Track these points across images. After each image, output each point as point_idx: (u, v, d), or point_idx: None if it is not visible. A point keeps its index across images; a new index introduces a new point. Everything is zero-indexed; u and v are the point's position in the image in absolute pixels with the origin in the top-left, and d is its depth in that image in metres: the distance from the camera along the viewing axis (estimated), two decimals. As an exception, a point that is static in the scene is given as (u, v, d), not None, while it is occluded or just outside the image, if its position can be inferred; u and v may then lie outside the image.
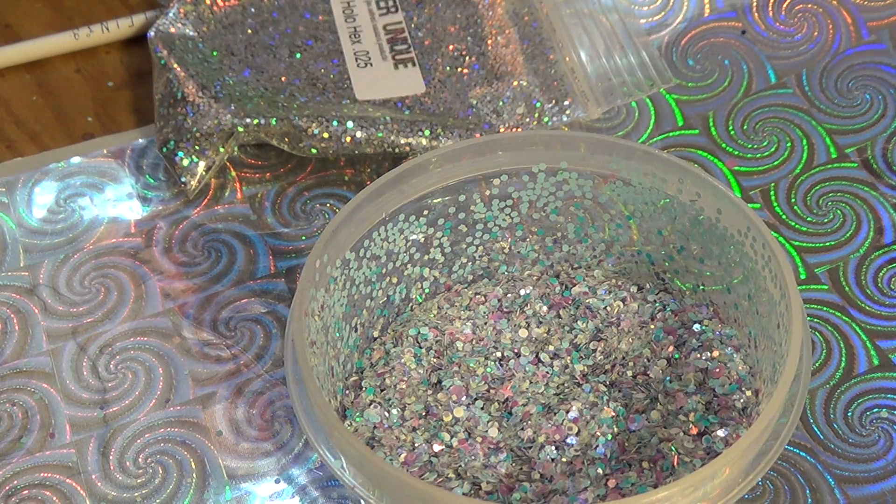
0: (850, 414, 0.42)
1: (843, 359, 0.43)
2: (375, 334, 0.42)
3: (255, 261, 0.46)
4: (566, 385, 0.40)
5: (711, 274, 0.41)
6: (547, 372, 0.40)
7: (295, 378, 0.37)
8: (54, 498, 0.41)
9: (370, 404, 0.39)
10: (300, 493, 0.41)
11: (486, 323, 0.41)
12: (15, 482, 0.41)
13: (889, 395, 0.42)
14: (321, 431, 0.36)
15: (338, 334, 0.39)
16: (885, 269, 0.45)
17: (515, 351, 0.41)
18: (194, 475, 0.41)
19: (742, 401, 0.38)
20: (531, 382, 0.40)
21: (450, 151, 0.40)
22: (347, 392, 0.40)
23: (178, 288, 0.46)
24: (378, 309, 0.42)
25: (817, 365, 0.43)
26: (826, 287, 0.45)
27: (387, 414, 0.39)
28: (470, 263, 0.43)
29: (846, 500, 0.40)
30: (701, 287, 0.41)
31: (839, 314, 0.44)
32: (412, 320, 0.42)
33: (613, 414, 0.38)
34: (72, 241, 0.47)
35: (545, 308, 0.42)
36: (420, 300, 0.43)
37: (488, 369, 0.40)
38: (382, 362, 0.41)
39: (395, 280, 0.42)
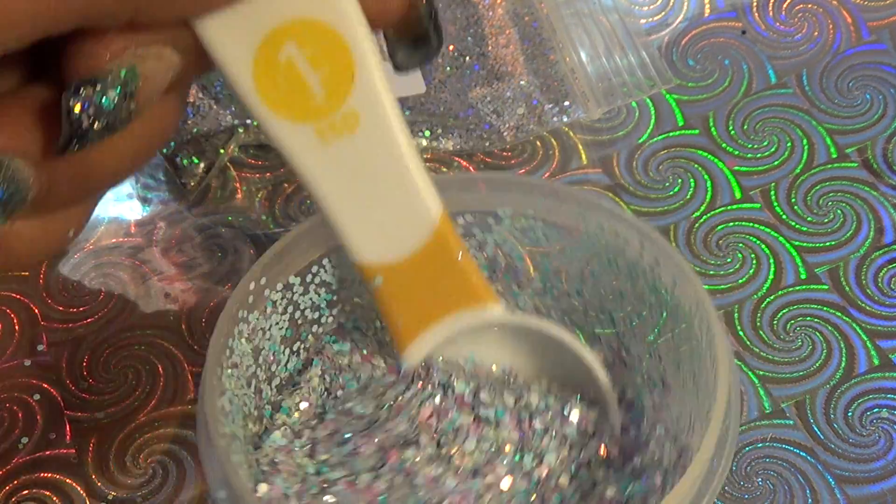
0: (850, 414, 0.42)
1: (844, 359, 0.43)
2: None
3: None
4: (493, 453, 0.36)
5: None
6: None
7: (204, 393, 0.34)
8: (54, 498, 0.41)
9: (282, 426, 0.38)
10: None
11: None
12: (15, 482, 0.41)
13: (889, 395, 0.42)
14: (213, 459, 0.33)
15: (272, 357, 0.38)
16: (885, 269, 0.45)
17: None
18: (195, 475, 0.41)
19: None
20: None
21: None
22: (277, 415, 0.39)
23: (178, 288, 0.46)
24: (327, 335, 0.40)
25: (817, 365, 0.43)
26: (826, 287, 0.45)
27: (294, 439, 0.37)
28: None
29: (846, 500, 0.40)
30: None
31: (839, 314, 0.44)
32: None
33: None
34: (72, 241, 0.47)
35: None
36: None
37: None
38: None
39: (347, 308, 0.39)
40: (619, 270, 0.36)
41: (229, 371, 0.35)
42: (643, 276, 0.36)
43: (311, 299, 0.38)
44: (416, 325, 0.34)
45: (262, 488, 0.36)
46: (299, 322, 0.39)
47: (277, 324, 0.38)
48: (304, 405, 0.38)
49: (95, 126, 0.26)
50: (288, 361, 0.39)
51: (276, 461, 0.37)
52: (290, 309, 0.38)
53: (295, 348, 0.39)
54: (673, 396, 0.36)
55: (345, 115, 0.30)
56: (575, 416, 0.36)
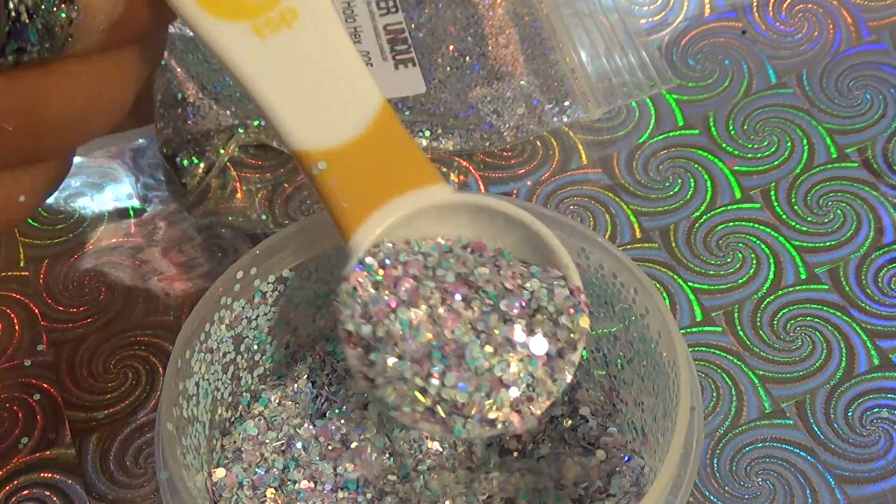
0: (850, 414, 0.42)
1: (844, 359, 0.43)
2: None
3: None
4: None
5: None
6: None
7: (169, 376, 0.34)
8: (54, 498, 0.41)
9: (257, 416, 0.38)
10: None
11: None
12: (15, 482, 0.41)
13: (889, 395, 0.42)
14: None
15: (256, 347, 0.38)
16: (885, 269, 0.45)
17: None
18: (194, 475, 0.41)
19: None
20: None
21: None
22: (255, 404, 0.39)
23: (178, 288, 0.46)
24: (323, 333, 0.40)
25: (817, 365, 0.43)
26: (826, 287, 0.45)
27: (267, 430, 0.37)
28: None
29: (846, 500, 0.40)
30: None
31: (839, 314, 0.44)
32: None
33: None
34: (72, 241, 0.47)
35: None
36: None
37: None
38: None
39: None
40: (615, 314, 0.36)
41: (201, 355, 0.35)
42: (634, 323, 0.36)
43: (306, 295, 0.38)
44: (362, 210, 0.33)
45: (219, 473, 0.36)
46: (292, 316, 0.38)
47: (266, 315, 0.38)
48: (287, 400, 0.38)
49: (33, 23, 0.25)
50: (275, 353, 0.39)
51: (241, 449, 0.37)
52: (283, 302, 0.38)
53: (284, 341, 0.39)
54: (649, 448, 0.36)
55: (282, 12, 0.31)
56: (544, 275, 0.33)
